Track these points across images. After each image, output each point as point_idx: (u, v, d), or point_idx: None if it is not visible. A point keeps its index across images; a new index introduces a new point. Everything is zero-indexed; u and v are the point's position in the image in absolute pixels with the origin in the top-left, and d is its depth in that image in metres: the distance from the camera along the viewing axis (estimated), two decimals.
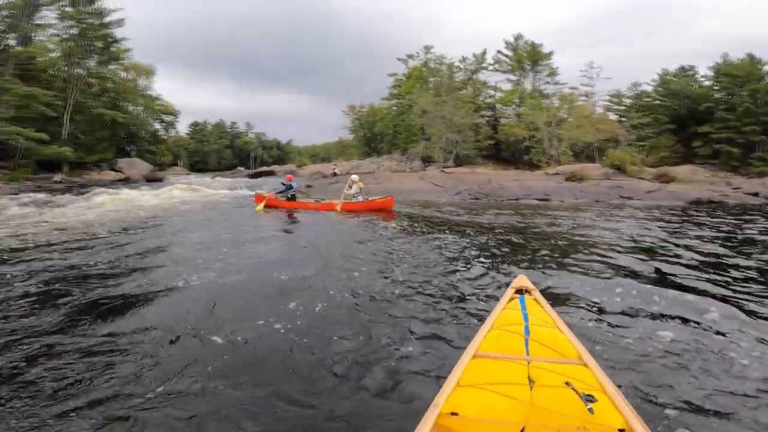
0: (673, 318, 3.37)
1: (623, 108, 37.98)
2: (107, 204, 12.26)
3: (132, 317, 3.35)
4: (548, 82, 36.38)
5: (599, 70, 34.65)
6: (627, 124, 34.93)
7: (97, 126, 32.37)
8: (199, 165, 72.34)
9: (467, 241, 6.83)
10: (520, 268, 4.93)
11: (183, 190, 17.47)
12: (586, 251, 5.99)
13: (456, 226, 8.63)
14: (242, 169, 60.93)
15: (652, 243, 6.86)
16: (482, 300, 3.78)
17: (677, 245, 6.56)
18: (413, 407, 2.08)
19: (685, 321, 3.31)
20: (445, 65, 37.53)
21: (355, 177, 12.91)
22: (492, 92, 37.42)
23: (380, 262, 5.33)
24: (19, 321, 3.23)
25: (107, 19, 31.51)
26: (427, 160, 32.37)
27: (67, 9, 29.59)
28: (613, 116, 36.80)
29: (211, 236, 7.21)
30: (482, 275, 4.62)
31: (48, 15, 29.44)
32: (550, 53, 35.40)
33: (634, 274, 4.75)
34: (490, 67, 36.83)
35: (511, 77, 36.36)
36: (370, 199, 11.73)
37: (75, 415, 2.08)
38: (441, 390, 1.58)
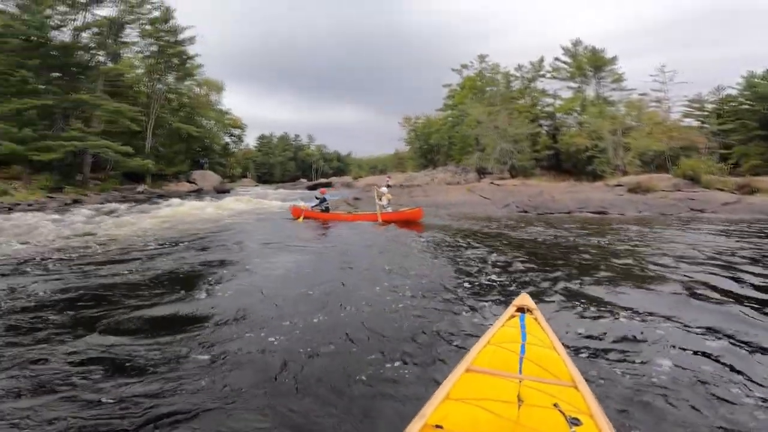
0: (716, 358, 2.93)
1: (704, 114, 34.92)
2: (172, 214, 13.46)
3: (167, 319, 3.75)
4: (614, 89, 34.35)
5: (672, 74, 32.17)
6: (707, 131, 32.06)
7: (174, 140, 35.49)
8: (265, 176, 76.42)
9: (494, 255, 6.72)
10: (536, 286, 4.79)
11: (241, 202, 18.68)
12: (622, 267, 5.69)
13: (490, 240, 8.48)
14: (304, 180, 63.67)
15: (713, 261, 6.26)
16: (486, 317, 3.76)
17: (742, 266, 5.90)
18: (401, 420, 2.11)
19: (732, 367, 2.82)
20: (500, 74, 36.81)
21: (384, 189, 13.41)
22: (551, 100, 36.04)
23: (402, 274, 5.41)
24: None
25: (181, 37, 34.65)
26: (482, 172, 31.82)
27: (147, 27, 32.95)
28: (694, 123, 34.03)
29: (251, 245, 7.71)
30: (493, 292, 4.55)
31: (131, 33, 32.98)
32: (614, 58, 33.49)
33: (676, 296, 4.38)
34: (548, 75, 35.51)
35: (572, 84, 34.79)
36: (400, 210, 12.14)
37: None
38: (429, 401, 1.59)
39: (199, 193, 31.87)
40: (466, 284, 4.88)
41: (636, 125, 29.86)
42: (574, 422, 1.47)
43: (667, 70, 32.38)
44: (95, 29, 29.80)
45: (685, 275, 5.27)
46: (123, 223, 11.26)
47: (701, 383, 2.58)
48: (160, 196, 28.01)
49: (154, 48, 33.53)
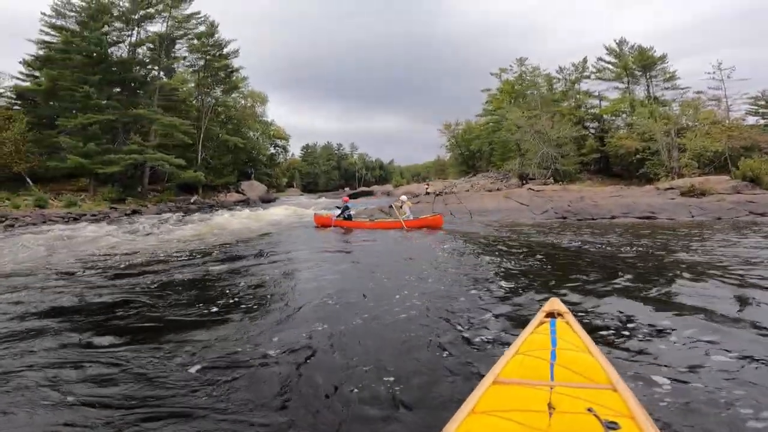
0: None
1: None
2: (217, 224, 14.28)
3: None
4: (666, 88, 32.52)
5: (730, 71, 29.96)
6: None
7: (223, 151, 37.40)
8: (310, 186, 78.59)
9: (520, 262, 6.61)
10: (556, 293, 4.68)
11: (283, 211, 19.38)
12: (658, 276, 5.39)
13: (519, 247, 8.32)
14: (347, 189, 64.89)
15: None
16: (508, 326, 3.63)
17: None
18: None
19: None
20: (541, 77, 35.91)
21: (404, 197, 14.18)
22: (596, 102, 34.67)
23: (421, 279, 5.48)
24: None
25: (225, 51, 36.56)
26: (524, 178, 31.08)
27: (194, 42, 35.05)
28: (761, 121, 31.47)
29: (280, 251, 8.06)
30: (517, 299, 4.50)
31: (181, 48, 35.17)
32: (663, 56, 31.72)
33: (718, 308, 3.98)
34: (593, 76, 34.23)
35: (619, 85, 33.30)
36: (420, 218, 12.77)
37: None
38: (453, 417, 1.53)
39: (246, 203, 33.35)
40: (490, 292, 4.81)
41: (691, 125, 28.04)
42: (611, 426, 1.38)
43: (725, 67, 30.20)
44: (149, 45, 32.08)
45: (737, 283, 4.90)
46: (172, 232, 12.10)
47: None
48: (211, 207, 29.64)
49: (201, 62, 35.62)
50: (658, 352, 2.96)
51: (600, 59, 33.97)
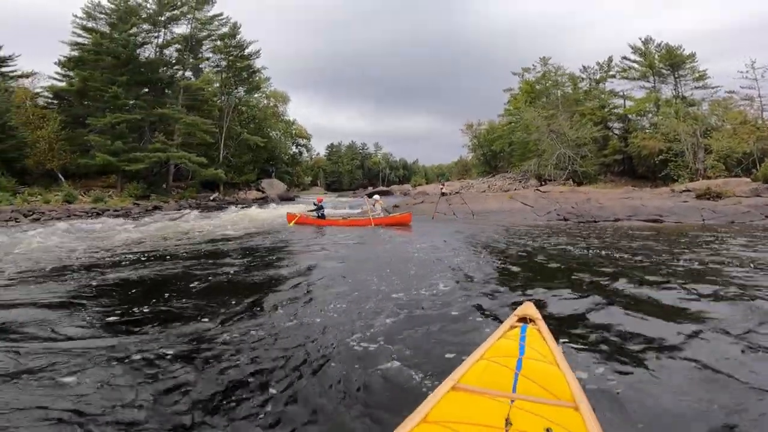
0: None
1: None
2: (223, 222, 14.78)
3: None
4: (696, 87, 31.20)
5: (764, 71, 28.46)
6: None
7: (244, 150, 38.35)
8: (334, 185, 79.48)
9: (496, 263, 6.65)
10: (525, 295, 4.62)
11: (293, 209, 19.73)
12: (613, 280, 5.30)
13: (503, 247, 8.32)
14: (370, 188, 65.33)
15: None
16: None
17: None
18: None
19: None
20: (565, 75, 35.13)
21: (377, 197, 15.31)
22: (621, 101, 33.65)
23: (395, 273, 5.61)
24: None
25: (247, 51, 37.46)
26: (542, 178, 30.55)
27: (218, 43, 36.09)
28: None
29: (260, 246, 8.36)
30: (488, 302, 4.36)
31: (205, 49, 36.18)
32: (692, 55, 30.44)
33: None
34: (618, 75, 33.22)
35: (645, 84, 32.19)
36: (390, 215, 13.97)
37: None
38: (402, 424, 1.43)
39: (264, 201, 34.17)
40: (462, 294, 4.70)
41: (719, 125, 26.86)
42: None
43: (758, 66, 28.71)
44: (176, 46, 33.30)
45: (730, 292, 4.65)
46: (177, 228, 12.66)
47: None
48: (230, 204, 30.49)
49: (224, 63, 36.68)
50: (622, 367, 2.75)
51: (625, 58, 32.98)
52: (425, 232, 10.77)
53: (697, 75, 31.03)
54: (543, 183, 29.75)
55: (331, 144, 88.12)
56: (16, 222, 16.04)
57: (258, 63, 38.61)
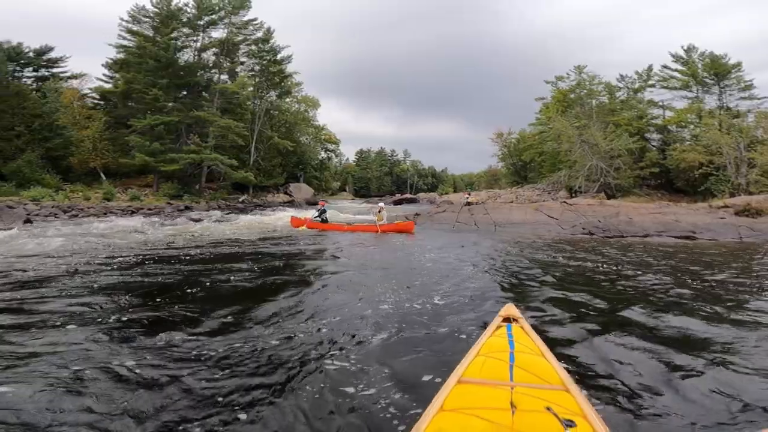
0: None
1: None
2: (245, 224, 15.11)
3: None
4: (743, 98, 29.60)
5: None
6: None
7: (273, 153, 39.16)
8: (362, 191, 79.89)
9: (501, 274, 6.51)
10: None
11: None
12: (619, 301, 5.09)
13: (514, 259, 8.12)
14: (398, 195, 65.33)
15: None
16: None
17: None
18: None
19: None
20: (601, 84, 34.10)
21: (381, 204, 15.74)
22: (659, 112, 32.32)
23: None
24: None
25: (279, 56, 38.28)
26: (573, 190, 29.69)
27: (252, 47, 37.07)
28: None
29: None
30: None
31: (241, 53, 37.12)
32: (738, 64, 28.90)
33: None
34: (657, 85, 31.94)
35: (687, 94, 30.79)
36: (394, 223, 14.28)
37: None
38: (424, 414, 1.63)
39: (292, 204, 34.73)
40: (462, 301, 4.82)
41: (765, 138, 25.39)
42: (569, 424, 1.49)
43: None
44: (213, 50, 34.47)
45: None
46: (191, 230, 13.06)
47: None
48: (257, 206, 31.18)
49: (257, 67, 37.65)
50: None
51: (665, 67, 31.66)
52: (442, 245, 10.46)
53: (743, 85, 29.45)
54: (573, 195, 28.88)
55: (361, 150, 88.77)
56: (55, 217, 16.97)
57: (290, 68, 39.50)
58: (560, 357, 2.86)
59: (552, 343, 3.10)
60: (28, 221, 13.70)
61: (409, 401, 2.45)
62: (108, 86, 33.39)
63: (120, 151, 30.51)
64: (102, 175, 30.22)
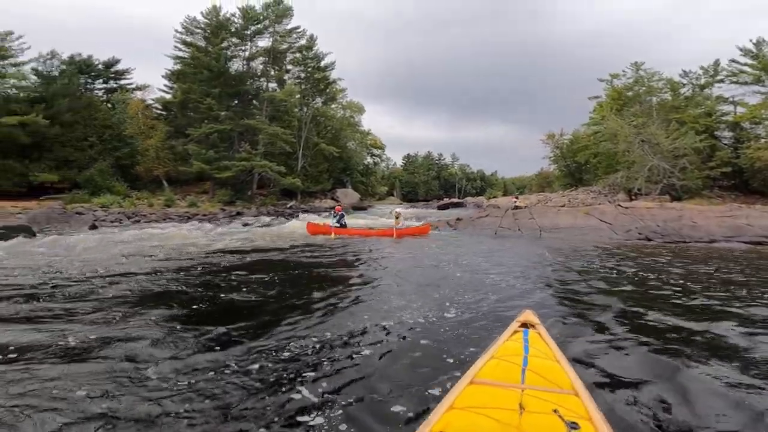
0: None
1: None
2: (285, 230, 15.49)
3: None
4: None
5: None
6: None
7: (320, 159, 40.01)
8: (410, 195, 79.63)
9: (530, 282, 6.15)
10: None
11: (354, 219, 20.10)
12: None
13: (550, 267, 7.66)
14: (446, 198, 64.47)
15: None
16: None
17: None
18: None
19: None
20: (662, 81, 31.80)
21: (399, 210, 16.13)
22: (730, 108, 29.57)
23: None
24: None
25: (323, 63, 39.06)
26: (632, 192, 27.83)
27: (297, 55, 38.10)
28: None
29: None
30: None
31: (287, 62, 38.29)
32: None
33: None
34: (727, 80, 29.29)
35: (761, 89, 27.92)
36: (410, 226, 14.83)
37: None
38: (434, 411, 1.70)
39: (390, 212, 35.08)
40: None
41: None
42: (573, 426, 1.54)
43: None
44: (261, 58, 35.85)
45: None
46: (229, 235, 13.55)
47: None
48: (305, 212, 31.91)
49: (303, 74, 38.69)
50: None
51: (733, 61, 28.95)
52: (478, 251, 10.09)
53: None
54: (633, 197, 27.08)
55: (408, 154, 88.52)
56: (120, 223, 18.34)
57: (337, 74, 40.38)
58: (579, 364, 2.99)
59: (566, 349, 3.05)
60: (93, 227, 14.85)
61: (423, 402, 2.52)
62: (168, 96, 35.60)
63: (179, 160, 32.45)
64: (164, 182, 32.27)
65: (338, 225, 13.92)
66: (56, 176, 27.96)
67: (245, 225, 17.59)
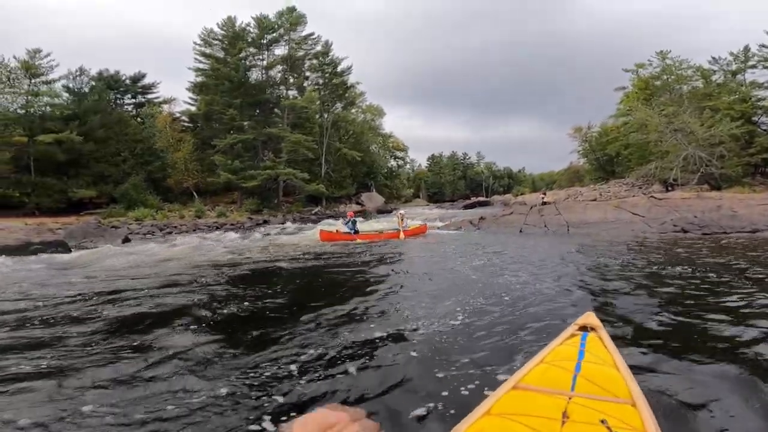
0: None
1: None
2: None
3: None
4: None
5: None
6: None
7: (343, 165, 40.19)
8: (436, 196, 78.99)
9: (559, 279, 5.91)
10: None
11: (377, 222, 20.04)
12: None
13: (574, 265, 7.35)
14: (472, 198, 63.62)
15: None
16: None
17: None
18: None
19: None
20: (692, 68, 30.67)
21: (401, 211, 16.29)
22: (767, 93, 28.10)
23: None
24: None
25: (339, 68, 39.21)
26: (667, 183, 26.69)
27: (314, 62, 38.42)
28: None
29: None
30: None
31: (306, 68, 38.59)
32: None
33: None
34: (759, 65, 27.84)
35: None
36: (411, 227, 14.74)
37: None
38: (467, 417, 1.57)
39: (364, 214, 35.24)
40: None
41: None
42: None
43: None
44: (279, 67, 36.35)
45: None
46: (249, 246, 13.70)
47: None
48: (329, 217, 32.11)
49: (321, 80, 38.98)
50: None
51: (763, 46, 27.49)
52: (501, 251, 9.72)
53: None
54: (669, 188, 25.97)
55: (432, 155, 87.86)
56: (152, 235, 18.95)
57: (359, 79, 40.53)
58: (643, 372, 2.73)
59: (626, 356, 2.65)
60: (126, 240, 15.40)
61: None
62: (193, 109, 36.59)
63: (207, 171, 33.34)
64: (195, 194, 33.21)
65: (349, 231, 13.93)
66: (94, 192, 29.30)
67: (266, 234, 17.80)
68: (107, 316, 4.60)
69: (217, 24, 35.16)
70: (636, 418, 1.54)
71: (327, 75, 38.53)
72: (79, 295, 5.77)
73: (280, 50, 36.47)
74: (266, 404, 2.51)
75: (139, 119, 35.58)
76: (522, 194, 50.95)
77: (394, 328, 3.95)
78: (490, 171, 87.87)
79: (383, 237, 13.94)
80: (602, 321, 2.63)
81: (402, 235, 13.66)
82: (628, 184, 31.78)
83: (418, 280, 6.49)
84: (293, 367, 3.05)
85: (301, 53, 37.13)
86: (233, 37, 34.31)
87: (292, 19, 35.36)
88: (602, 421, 1.44)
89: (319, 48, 37.90)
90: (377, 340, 3.61)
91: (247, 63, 34.98)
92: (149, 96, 39.04)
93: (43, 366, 3.19)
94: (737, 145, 25.75)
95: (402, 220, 14.71)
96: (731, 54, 29.94)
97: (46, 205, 27.22)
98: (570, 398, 1.65)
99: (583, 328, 2.56)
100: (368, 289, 5.79)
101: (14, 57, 29.36)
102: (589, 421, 1.47)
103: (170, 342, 3.66)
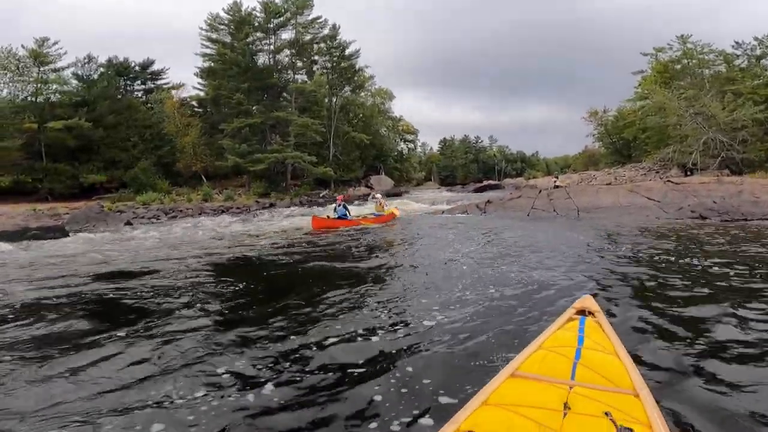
0: None
1: None
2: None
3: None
4: None
5: None
6: None
7: (351, 148, 39.83)
8: (448, 179, 78.09)
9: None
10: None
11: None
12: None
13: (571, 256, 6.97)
14: (485, 181, 62.65)
15: None
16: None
17: None
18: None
19: None
20: (714, 53, 29.71)
21: (379, 196, 16.44)
22: None
23: None
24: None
25: (347, 52, 38.52)
26: (686, 168, 25.86)
27: (321, 45, 37.79)
28: None
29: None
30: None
31: (314, 52, 37.98)
32: None
33: None
34: None
35: None
36: (380, 215, 14.42)
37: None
38: (465, 406, 1.52)
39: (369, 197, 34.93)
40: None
41: None
42: None
43: None
44: (286, 51, 35.84)
45: None
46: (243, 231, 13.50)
47: None
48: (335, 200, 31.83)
49: (329, 64, 38.40)
50: None
51: None
52: (506, 235, 9.39)
53: None
54: (688, 173, 25.16)
55: (444, 138, 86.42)
56: (157, 219, 18.91)
57: (371, 62, 39.80)
58: (645, 361, 2.60)
59: (627, 341, 2.59)
60: (128, 224, 15.38)
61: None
62: (201, 94, 36.45)
63: (215, 155, 33.25)
64: (203, 178, 33.22)
65: (338, 216, 13.20)
66: (104, 177, 29.50)
67: (268, 220, 17.62)
68: (62, 306, 4.46)
69: (223, 9, 34.62)
70: (639, 409, 1.50)
71: (335, 58, 37.90)
72: (45, 280, 5.62)
73: (287, 34, 35.91)
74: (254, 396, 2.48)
75: (148, 105, 35.56)
76: (534, 178, 50.10)
77: (389, 315, 3.91)
78: (502, 154, 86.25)
79: (372, 222, 13.71)
80: (603, 308, 2.53)
81: (385, 219, 13.97)
82: (644, 169, 30.85)
83: (412, 269, 6.30)
84: (287, 357, 3.01)
85: (308, 37, 36.52)
86: (239, 21, 33.80)
87: (299, 2, 34.67)
88: (606, 413, 1.40)
89: (326, 32, 37.23)
90: (376, 328, 3.55)
91: (254, 48, 34.54)
92: (158, 82, 39.02)
93: None
94: (760, 129, 24.91)
95: (381, 205, 14.82)
96: (756, 39, 29.36)
97: (58, 190, 27.49)
98: (571, 388, 1.60)
99: (581, 312, 2.51)
100: (362, 277, 5.69)
101: (22, 46, 29.44)
102: (592, 412, 1.43)
103: (133, 339, 3.50)
